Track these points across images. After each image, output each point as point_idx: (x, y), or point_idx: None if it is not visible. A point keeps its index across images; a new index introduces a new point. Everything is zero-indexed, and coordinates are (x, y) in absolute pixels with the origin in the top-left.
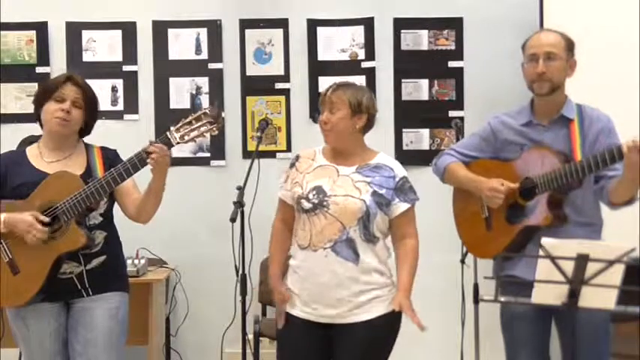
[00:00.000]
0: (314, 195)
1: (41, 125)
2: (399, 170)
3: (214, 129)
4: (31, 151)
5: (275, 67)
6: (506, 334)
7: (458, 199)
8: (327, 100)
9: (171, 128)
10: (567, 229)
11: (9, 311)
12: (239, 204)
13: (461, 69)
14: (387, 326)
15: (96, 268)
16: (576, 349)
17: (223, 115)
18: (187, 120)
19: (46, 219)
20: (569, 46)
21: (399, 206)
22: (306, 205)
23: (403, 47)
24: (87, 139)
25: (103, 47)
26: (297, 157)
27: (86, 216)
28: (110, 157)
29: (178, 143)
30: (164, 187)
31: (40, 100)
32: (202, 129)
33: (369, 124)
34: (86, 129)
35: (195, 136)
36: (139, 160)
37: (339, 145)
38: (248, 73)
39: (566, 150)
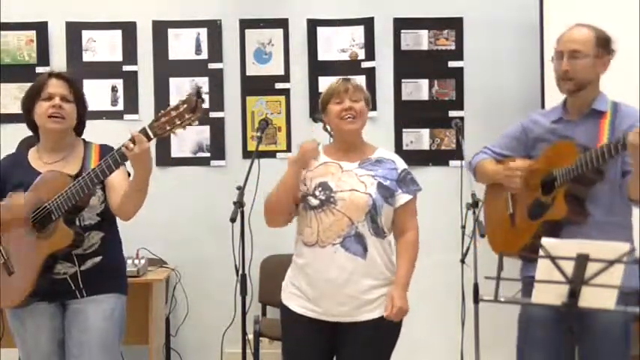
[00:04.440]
0: (320, 192)
1: (34, 130)
2: (400, 163)
3: (192, 118)
4: (32, 154)
5: (275, 67)
6: (522, 335)
7: (489, 197)
8: (349, 90)
9: (151, 122)
10: (592, 228)
11: (8, 312)
12: (239, 204)
13: (461, 69)
14: (390, 326)
15: (91, 269)
16: (596, 353)
17: (223, 114)
18: (165, 111)
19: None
20: (601, 41)
21: (402, 197)
22: (313, 201)
23: (403, 47)
24: (88, 140)
25: (103, 47)
26: None
27: (76, 215)
28: (106, 155)
29: (157, 135)
30: (146, 185)
31: (28, 105)
32: (181, 119)
33: None
34: (80, 124)
35: (174, 128)
36: (120, 155)
37: (356, 135)
38: (248, 73)
39: (591, 144)
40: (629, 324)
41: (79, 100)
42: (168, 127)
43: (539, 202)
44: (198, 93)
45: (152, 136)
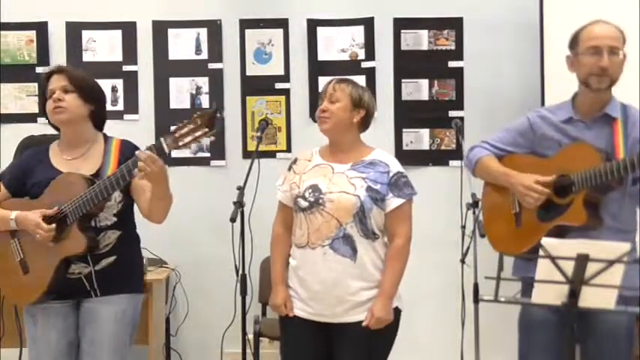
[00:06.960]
0: (310, 193)
1: (57, 129)
2: (394, 166)
3: (208, 134)
4: (53, 149)
5: (275, 67)
6: (524, 339)
7: (488, 193)
8: (329, 91)
9: (166, 135)
10: (599, 233)
11: (23, 310)
12: (239, 204)
13: (461, 69)
14: (383, 327)
15: (105, 269)
16: (600, 353)
17: (224, 115)
18: (181, 125)
19: (51, 212)
20: (625, 40)
21: (393, 201)
22: (303, 203)
23: (403, 47)
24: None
25: (103, 47)
26: (295, 160)
27: (91, 219)
28: (126, 153)
29: (174, 149)
30: (167, 192)
31: (44, 107)
32: (197, 133)
33: (366, 123)
34: (98, 118)
35: (189, 142)
36: (134, 165)
37: (333, 136)
38: (248, 73)
39: (608, 149)
40: (632, 324)
41: (87, 91)
42: (184, 141)
43: (552, 204)
44: (215, 109)
45: (167, 151)
